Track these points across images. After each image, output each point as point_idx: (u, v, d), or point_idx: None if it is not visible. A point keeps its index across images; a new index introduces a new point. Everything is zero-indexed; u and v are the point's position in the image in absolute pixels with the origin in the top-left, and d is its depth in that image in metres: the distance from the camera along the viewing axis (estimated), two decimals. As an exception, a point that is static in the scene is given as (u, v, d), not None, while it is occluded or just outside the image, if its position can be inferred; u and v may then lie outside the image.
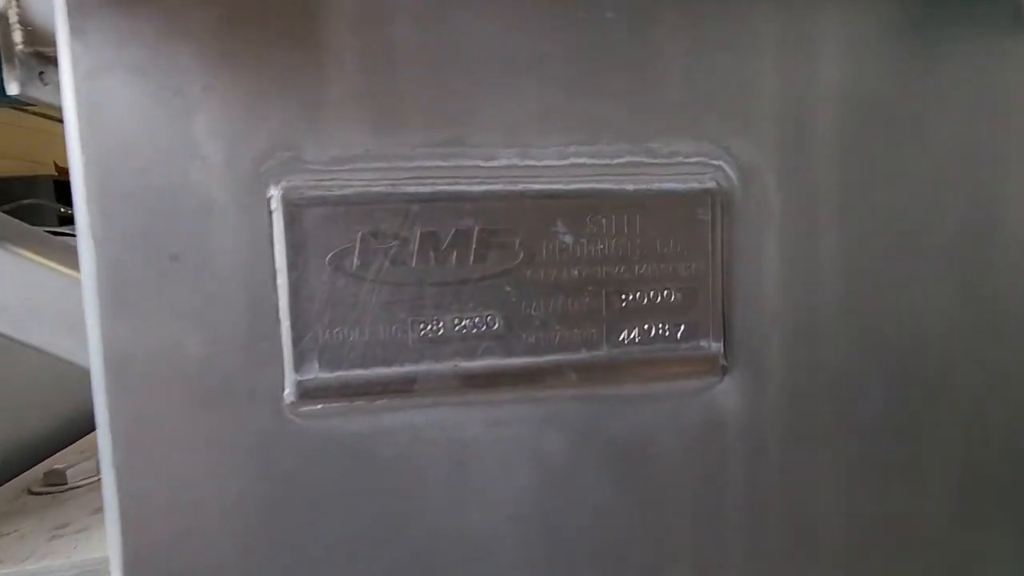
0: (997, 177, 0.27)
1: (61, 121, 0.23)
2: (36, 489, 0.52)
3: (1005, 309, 0.28)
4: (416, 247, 0.22)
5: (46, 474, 0.53)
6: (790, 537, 0.27)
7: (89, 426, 0.68)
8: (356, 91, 0.21)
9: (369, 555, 0.23)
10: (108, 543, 0.22)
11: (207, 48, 0.20)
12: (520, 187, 0.22)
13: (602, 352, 0.23)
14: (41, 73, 0.38)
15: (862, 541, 0.28)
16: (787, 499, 0.26)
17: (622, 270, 0.23)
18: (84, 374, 0.23)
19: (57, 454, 0.62)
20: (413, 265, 0.22)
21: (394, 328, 0.22)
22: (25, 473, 0.58)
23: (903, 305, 0.26)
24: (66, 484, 0.52)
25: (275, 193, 0.21)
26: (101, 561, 0.41)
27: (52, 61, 0.37)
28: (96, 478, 0.51)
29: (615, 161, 0.23)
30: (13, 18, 0.34)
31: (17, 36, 0.35)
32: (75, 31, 0.20)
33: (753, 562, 0.26)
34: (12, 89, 0.37)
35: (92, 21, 0.20)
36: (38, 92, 0.37)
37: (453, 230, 0.22)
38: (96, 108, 0.20)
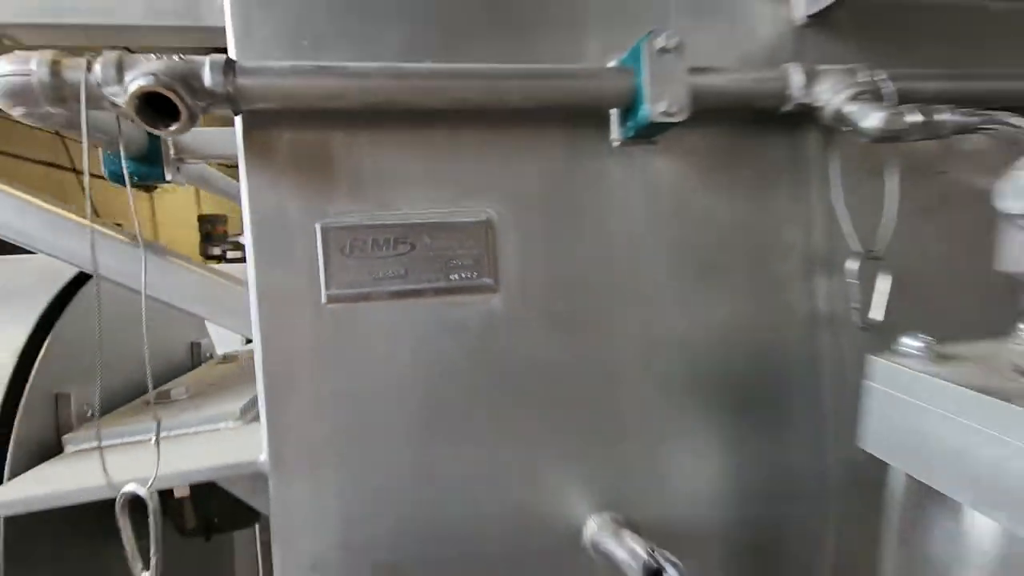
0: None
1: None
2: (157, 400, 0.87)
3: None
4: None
5: (159, 392, 0.89)
6: (538, 383, 0.63)
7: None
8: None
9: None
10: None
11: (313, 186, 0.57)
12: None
13: (442, 285, 0.60)
14: (178, 168, 0.76)
15: (575, 387, 0.64)
16: (531, 355, 0.63)
17: (459, 252, 0.60)
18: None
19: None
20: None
21: (362, 274, 0.59)
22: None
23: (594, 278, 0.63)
24: (170, 399, 0.86)
25: (317, 224, 0.58)
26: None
27: (182, 160, 0.76)
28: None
29: (447, 211, 0.60)
30: (168, 140, 0.72)
31: (171, 151, 0.73)
32: (251, 166, 0.56)
33: (523, 407, 0.62)
34: (168, 177, 0.74)
35: (269, 167, 0.56)
36: (176, 177, 0.75)
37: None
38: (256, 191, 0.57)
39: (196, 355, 1.15)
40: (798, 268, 0.67)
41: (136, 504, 0.56)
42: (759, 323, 0.66)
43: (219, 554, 1.23)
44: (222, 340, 1.43)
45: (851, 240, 0.65)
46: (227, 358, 1.13)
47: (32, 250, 0.63)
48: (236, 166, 0.61)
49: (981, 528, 0.44)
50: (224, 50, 0.71)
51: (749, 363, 0.66)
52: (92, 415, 0.77)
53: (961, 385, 0.43)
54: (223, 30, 0.67)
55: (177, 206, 6.76)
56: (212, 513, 0.91)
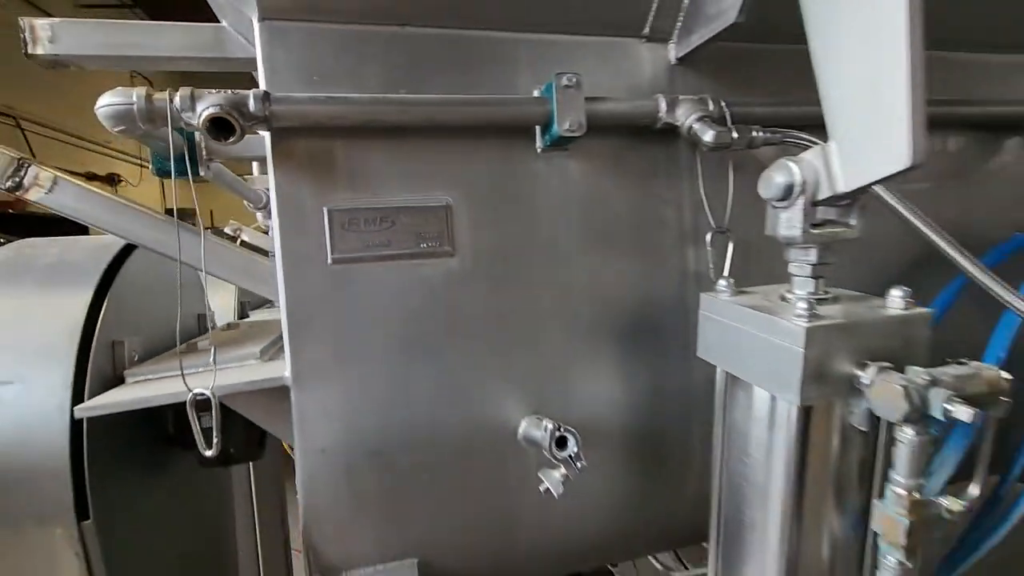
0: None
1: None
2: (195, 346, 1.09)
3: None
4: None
5: (188, 345, 1.10)
6: (484, 323, 0.87)
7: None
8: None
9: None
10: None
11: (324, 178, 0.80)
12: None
13: (414, 251, 0.84)
14: (208, 166, 0.98)
15: (511, 325, 0.88)
16: (479, 302, 0.87)
17: (427, 228, 0.84)
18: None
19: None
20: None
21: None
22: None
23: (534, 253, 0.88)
24: (198, 349, 1.08)
25: (325, 208, 0.80)
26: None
27: (211, 160, 0.99)
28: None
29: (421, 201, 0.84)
30: (202, 144, 0.95)
31: (204, 153, 0.95)
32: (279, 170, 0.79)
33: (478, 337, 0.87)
34: (201, 173, 0.96)
35: (291, 168, 0.79)
36: (206, 173, 0.98)
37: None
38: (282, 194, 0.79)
39: (202, 324, 1.36)
40: (673, 239, 0.93)
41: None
42: (644, 279, 0.92)
43: (221, 482, 1.45)
44: (219, 315, 1.64)
45: (710, 218, 0.91)
46: (230, 326, 1.34)
47: (106, 233, 0.85)
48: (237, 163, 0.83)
49: (760, 397, 0.70)
50: (239, 74, 0.94)
51: (637, 308, 0.92)
52: (137, 359, 0.99)
53: (742, 305, 0.69)
54: (240, 60, 0.90)
55: (141, 199, 6.79)
56: (229, 445, 1.13)
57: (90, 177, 7.31)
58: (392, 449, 0.84)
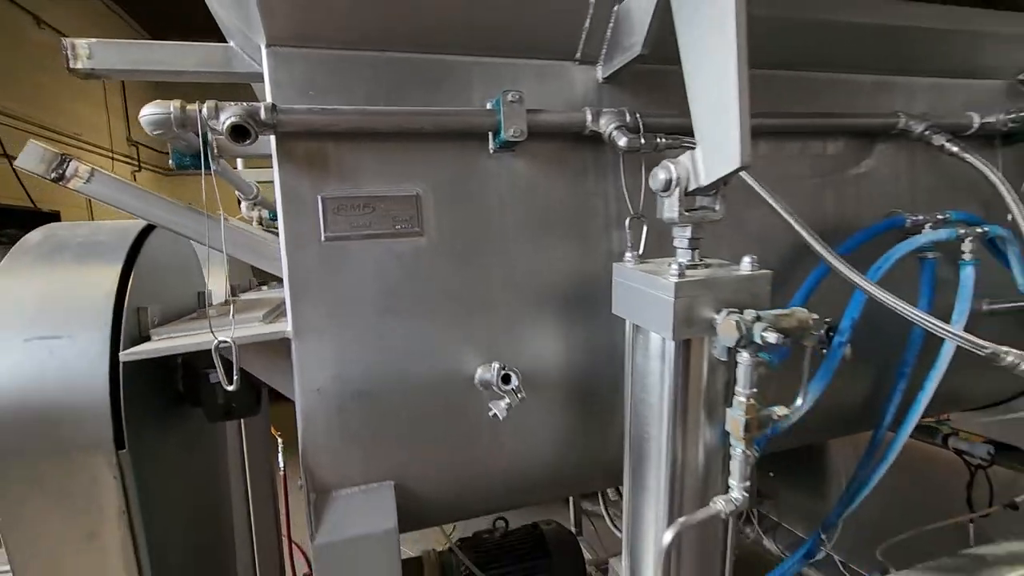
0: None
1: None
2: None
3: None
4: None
5: (199, 312, 1.30)
6: (447, 291, 1.09)
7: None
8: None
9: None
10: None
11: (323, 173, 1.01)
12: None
13: (391, 231, 1.05)
14: (218, 162, 1.18)
15: (469, 293, 1.10)
16: (443, 274, 1.08)
17: (400, 213, 1.05)
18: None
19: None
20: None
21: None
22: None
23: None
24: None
25: (319, 196, 1.01)
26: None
27: (221, 156, 1.20)
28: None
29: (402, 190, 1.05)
30: (212, 143, 1.14)
31: (214, 149, 1.14)
32: (282, 166, 0.99)
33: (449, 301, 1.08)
34: (214, 167, 1.16)
35: (292, 165, 0.99)
36: (217, 168, 1.17)
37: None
38: (288, 188, 1.00)
39: (202, 301, 1.55)
40: (600, 224, 1.15)
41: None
42: (577, 256, 1.14)
43: (218, 443, 1.65)
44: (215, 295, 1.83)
45: (630, 207, 1.14)
46: (228, 302, 1.53)
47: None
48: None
49: (654, 339, 0.93)
50: (242, 86, 1.14)
51: (572, 281, 1.14)
52: (157, 323, 1.19)
53: (640, 270, 0.92)
54: (245, 75, 1.10)
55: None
56: (232, 401, 1.33)
57: (64, 171, 7.29)
58: (374, 390, 1.05)
